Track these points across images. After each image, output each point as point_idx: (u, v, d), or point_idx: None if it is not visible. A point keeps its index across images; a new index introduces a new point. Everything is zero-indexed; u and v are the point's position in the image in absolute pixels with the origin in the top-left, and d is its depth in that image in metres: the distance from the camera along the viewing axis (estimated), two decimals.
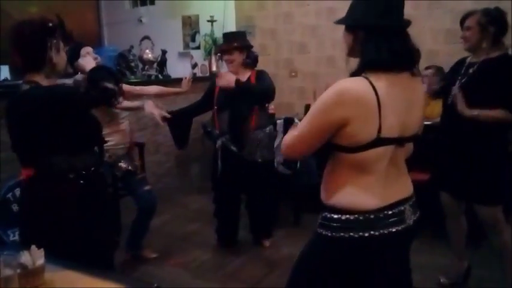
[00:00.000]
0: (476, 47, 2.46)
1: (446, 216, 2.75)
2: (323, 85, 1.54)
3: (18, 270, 1.31)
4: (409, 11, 4.66)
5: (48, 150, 1.82)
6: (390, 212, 1.44)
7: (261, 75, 3.27)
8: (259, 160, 3.24)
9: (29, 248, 1.37)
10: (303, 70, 4.96)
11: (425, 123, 3.45)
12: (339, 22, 1.51)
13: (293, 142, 1.47)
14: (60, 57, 1.87)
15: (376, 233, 1.41)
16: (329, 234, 1.46)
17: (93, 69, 1.99)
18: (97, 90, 1.83)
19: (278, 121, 4.08)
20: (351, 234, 1.42)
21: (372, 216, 1.42)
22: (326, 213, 1.49)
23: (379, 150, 1.39)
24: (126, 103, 2.86)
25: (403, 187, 1.53)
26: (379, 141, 1.38)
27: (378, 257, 1.48)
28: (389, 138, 1.40)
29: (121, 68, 4.95)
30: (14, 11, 5.10)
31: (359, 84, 1.37)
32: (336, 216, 1.45)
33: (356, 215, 1.42)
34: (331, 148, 1.46)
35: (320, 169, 1.61)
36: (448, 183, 2.63)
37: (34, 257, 1.35)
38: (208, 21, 5.29)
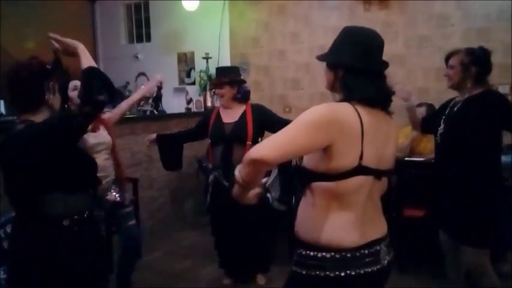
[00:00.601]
0: (459, 85, 2.49)
1: (445, 255, 2.68)
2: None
3: None
4: (400, 50, 4.81)
5: (42, 191, 1.78)
6: (367, 252, 1.42)
7: (259, 109, 3.32)
8: None
9: None
10: (297, 106, 5.02)
11: (419, 159, 3.52)
12: (321, 59, 1.55)
13: (263, 144, 1.37)
14: (55, 98, 1.88)
15: (353, 273, 1.39)
16: (304, 272, 1.43)
17: (86, 74, 1.85)
18: (89, 106, 1.77)
19: None
20: (327, 273, 1.39)
21: (349, 255, 1.39)
22: (301, 250, 1.46)
23: (359, 179, 1.39)
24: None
25: (378, 226, 1.52)
26: (360, 170, 1.38)
27: None
28: (369, 168, 1.40)
29: (117, 103, 4.97)
30: (11, 47, 5.17)
31: (345, 108, 1.40)
32: (312, 253, 1.43)
33: (332, 253, 1.40)
34: (309, 180, 1.44)
35: None
36: (441, 221, 2.60)
37: None
38: (203, 58, 5.38)
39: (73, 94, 2.71)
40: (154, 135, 3.45)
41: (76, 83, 2.80)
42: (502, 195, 2.42)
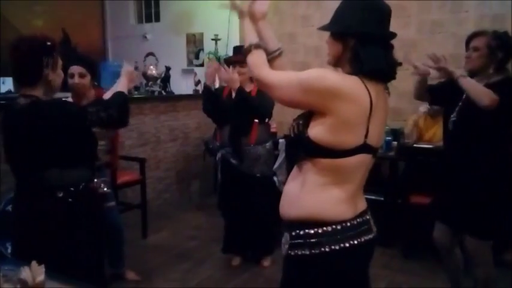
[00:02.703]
0: (481, 70, 2.29)
1: (439, 251, 2.58)
2: None
3: (18, 286, 1.30)
4: (412, 35, 4.73)
5: (41, 165, 1.84)
6: (361, 220, 1.42)
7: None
8: (258, 175, 3.26)
9: (29, 264, 1.36)
10: None
11: (428, 146, 3.48)
12: (327, 28, 1.45)
13: (272, 82, 1.44)
14: (56, 75, 1.90)
15: (355, 242, 1.38)
16: (307, 253, 1.37)
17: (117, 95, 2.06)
18: (105, 114, 1.88)
19: (280, 140, 4.10)
20: (332, 247, 1.36)
21: (349, 224, 1.38)
22: (297, 231, 1.39)
23: (361, 157, 1.37)
24: None
25: (363, 197, 1.51)
26: (364, 148, 1.35)
27: (361, 266, 1.46)
28: (371, 146, 1.38)
29: None
30: (20, 24, 5.16)
31: (356, 82, 1.34)
32: (311, 231, 1.37)
33: (334, 226, 1.36)
34: (311, 153, 1.37)
35: None
36: (444, 212, 2.49)
37: (34, 273, 1.33)
38: (212, 39, 5.34)
39: (70, 82, 2.68)
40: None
41: (75, 69, 2.70)
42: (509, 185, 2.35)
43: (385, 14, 1.40)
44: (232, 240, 3.46)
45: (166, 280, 3.22)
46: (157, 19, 6.13)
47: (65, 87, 2.42)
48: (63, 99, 2.35)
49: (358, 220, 1.41)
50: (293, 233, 1.41)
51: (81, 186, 1.93)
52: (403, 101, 4.27)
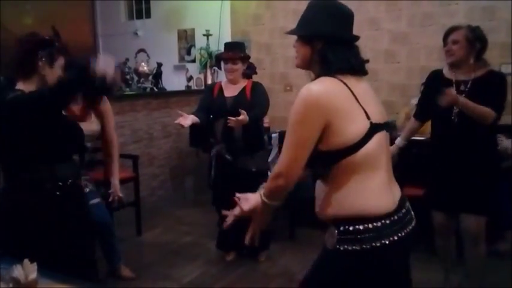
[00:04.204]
0: (462, 61, 2.47)
1: (437, 235, 2.76)
2: None
3: (11, 285, 1.30)
4: (403, 28, 4.74)
5: (28, 159, 1.86)
6: (404, 211, 1.44)
7: (257, 87, 3.31)
8: (253, 170, 3.25)
9: (21, 262, 1.36)
10: (298, 84, 4.97)
11: (419, 138, 3.50)
12: (294, 33, 1.50)
13: (286, 170, 1.38)
14: (50, 71, 1.90)
15: (403, 233, 1.39)
16: (358, 248, 1.35)
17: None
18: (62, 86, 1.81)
19: (273, 135, 4.11)
20: (383, 241, 1.35)
21: (396, 218, 1.39)
22: (346, 227, 1.37)
23: (377, 138, 1.37)
24: None
25: (396, 183, 1.53)
26: (373, 128, 1.36)
27: (406, 255, 1.49)
28: (379, 123, 1.39)
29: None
30: (11, 24, 5.12)
31: (327, 82, 1.38)
32: (361, 227, 1.35)
33: (382, 220, 1.36)
34: (331, 161, 1.38)
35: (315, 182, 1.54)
36: (441, 198, 2.63)
37: (27, 271, 1.33)
38: (204, 35, 5.32)
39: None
40: (189, 122, 3.07)
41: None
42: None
43: (349, 17, 1.48)
44: (226, 236, 3.46)
45: (162, 277, 3.22)
46: (148, 15, 6.09)
47: None
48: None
49: (402, 211, 1.43)
50: (341, 228, 1.39)
51: (68, 182, 1.95)
52: (395, 94, 4.30)
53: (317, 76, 1.43)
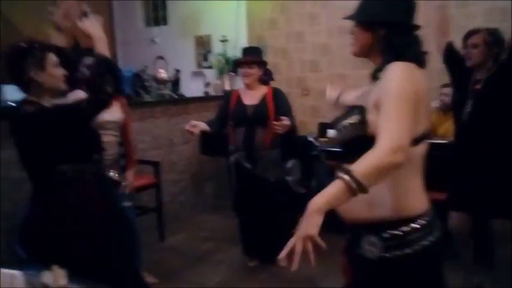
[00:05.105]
0: (481, 65, 2.54)
1: (457, 236, 2.76)
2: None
3: None
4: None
5: (55, 162, 1.90)
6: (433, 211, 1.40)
7: (278, 94, 3.31)
8: (272, 179, 3.26)
9: (49, 267, 1.39)
10: (315, 88, 4.99)
11: (441, 141, 3.47)
12: (354, 18, 1.39)
13: (404, 143, 1.16)
14: (45, 75, 1.88)
15: (441, 229, 1.37)
16: (410, 252, 1.28)
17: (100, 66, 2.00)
18: (98, 99, 1.92)
19: None
20: (431, 238, 1.31)
21: (433, 214, 1.36)
22: (390, 231, 1.29)
23: (424, 145, 1.31)
24: None
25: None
26: (427, 134, 1.30)
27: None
28: (428, 132, 1.32)
29: (136, 87, 5.02)
30: (28, 30, 5.20)
31: (414, 68, 1.28)
32: (407, 228, 1.28)
33: (426, 218, 1.31)
34: None
35: None
36: (464, 201, 2.62)
37: (56, 276, 1.36)
38: (220, 41, 5.37)
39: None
40: (198, 130, 3.06)
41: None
42: None
43: (412, 4, 1.38)
44: (250, 241, 3.48)
45: (185, 282, 3.25)
46: (165, 22, 6.17)
47: (72, 83, 2.33)
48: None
49: (431, 214, 1.37)
50: (384, 235, 1.30)
51: (96, 175, 2.03)
52: None
53: (383, 64, 1.31)
